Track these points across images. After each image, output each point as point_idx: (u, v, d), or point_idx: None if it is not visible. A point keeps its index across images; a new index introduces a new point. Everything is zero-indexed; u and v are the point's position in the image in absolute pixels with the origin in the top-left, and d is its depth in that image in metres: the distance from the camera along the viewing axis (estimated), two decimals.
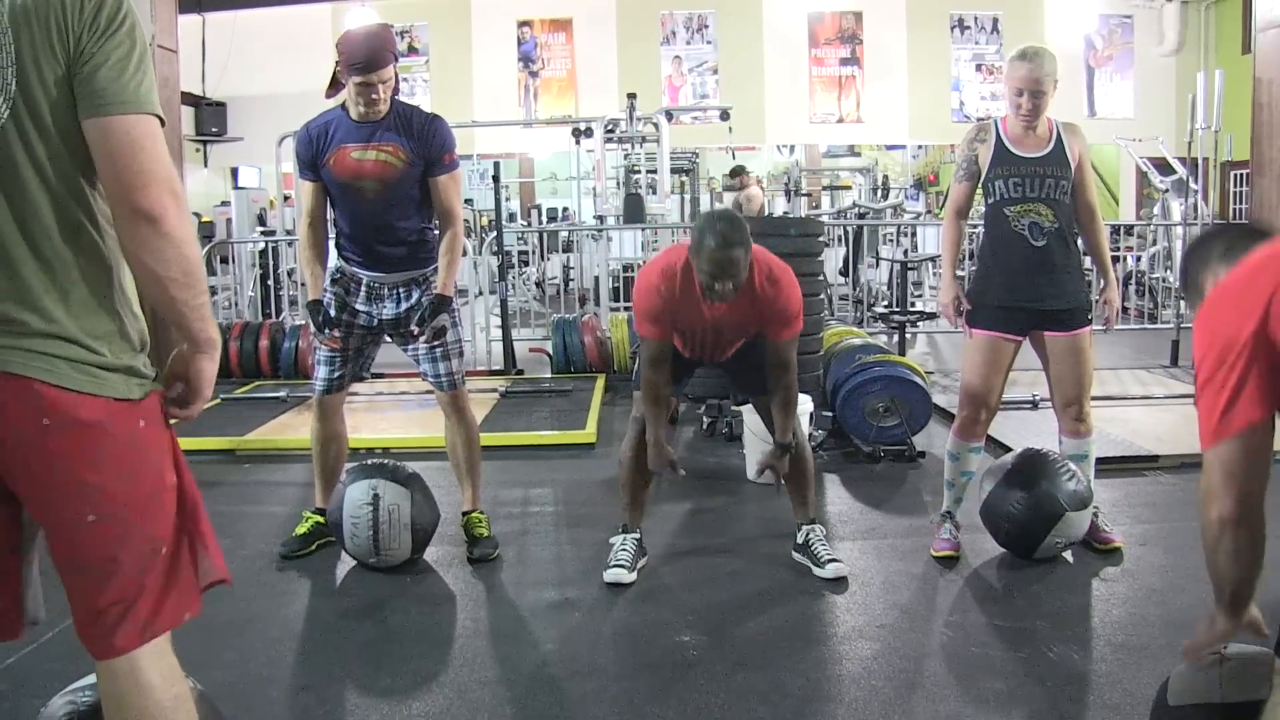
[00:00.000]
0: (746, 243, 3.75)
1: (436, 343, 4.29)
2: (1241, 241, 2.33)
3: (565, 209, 20.34)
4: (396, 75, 4.13)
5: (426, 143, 4.15)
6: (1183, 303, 10.46)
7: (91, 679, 2.30)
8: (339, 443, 4.56)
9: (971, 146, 4.26)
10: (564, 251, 14.47)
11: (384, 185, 4.16)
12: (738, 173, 14.40)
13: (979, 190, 4.32)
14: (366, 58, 3.95)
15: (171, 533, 1.96)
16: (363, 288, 4.32)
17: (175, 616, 1.97)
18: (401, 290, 4.31)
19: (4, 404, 1.79)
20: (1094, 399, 4.42)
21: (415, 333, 4.24)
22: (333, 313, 4.30)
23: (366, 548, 4.19)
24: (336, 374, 4.39)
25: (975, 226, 13.17)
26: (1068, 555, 4.31)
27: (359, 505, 4.16)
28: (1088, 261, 4.58)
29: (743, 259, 3.74)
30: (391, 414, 7.47)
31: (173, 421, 2.03)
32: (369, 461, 4.49)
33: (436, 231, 4.34)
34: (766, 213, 15.34)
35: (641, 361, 4.08)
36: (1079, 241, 4.36)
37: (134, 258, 1.87)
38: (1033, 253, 4.20)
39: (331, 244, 4.48)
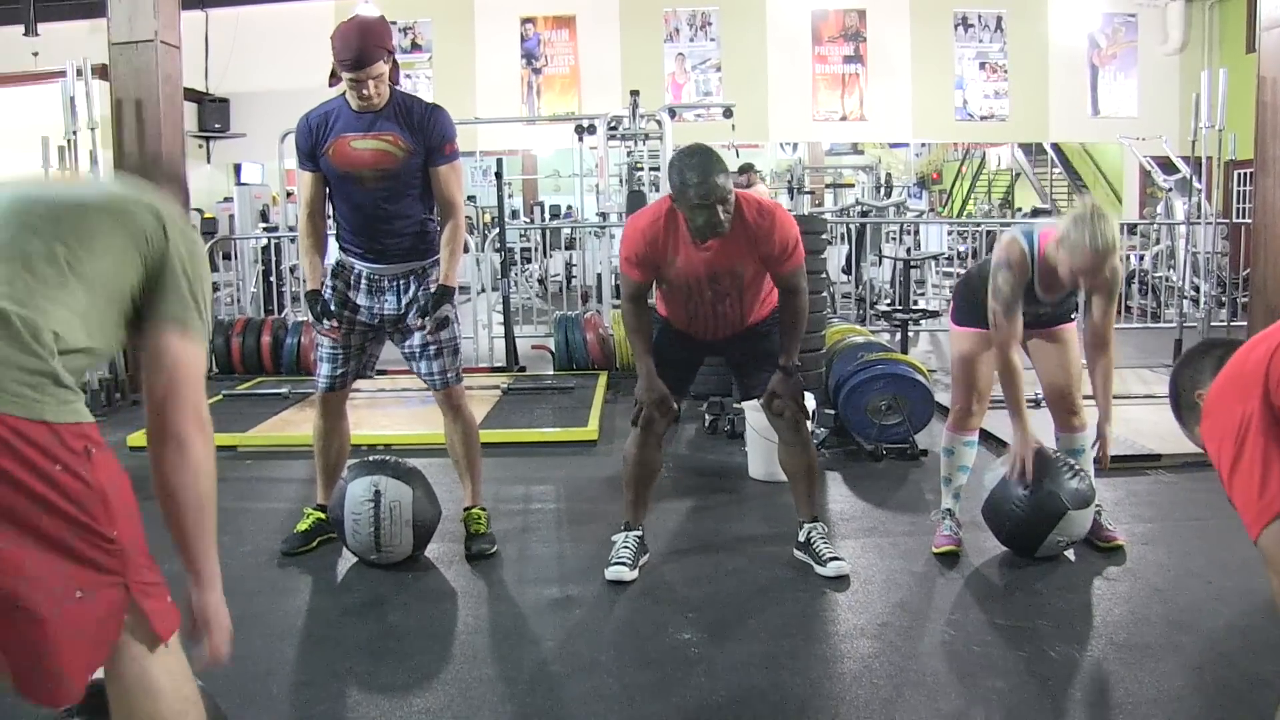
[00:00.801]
0: (726, 169, 3.78)
1: (432, 339, 4.29)
2: (1230, 355, 2.29)
3: (568, 206, 20.34)
4: (396, 66, 4.13)
5: (427, 133, 4.15)
6: (1186, 302, 10.51)
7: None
8: (341, 439, 4.55)
9: (1020, 285, 4.05)
10: (566, 249, 14.47)
11: (383, 175, 4.15)
12: (745, 170, 14.39)
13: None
14: (355, 55, 3.95)
15: (95, 578, 1.84)
16: (363, 280, 4.31)
17: (85, 674, 1.85)
18: (401, 282, 4.29)
19: None
20: None
21: (419, 324, 4.25)
22: (333, 308, 4.30)
23: (368, 544, 4.19)
24: (339, 371, 4.39)
25: (978, 225, 13.24)
26: (1069, 554, 4.30)
27: (361, 502, 4.16)
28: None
29: (727, 183, 3.75)
30: (393, 410, 7.47)
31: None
32: (371, 458, 4.49)
33: (437, 224, 4.33)
34: None
35: (622, 296, 4.15)
36: None
37: (157, 470, 2.01)
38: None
39: (332, 238, 4.48)
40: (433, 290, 4.28)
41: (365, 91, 4.01)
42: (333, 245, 4.47)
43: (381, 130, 4.12)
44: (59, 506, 1.77)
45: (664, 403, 4.15)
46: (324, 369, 4.40)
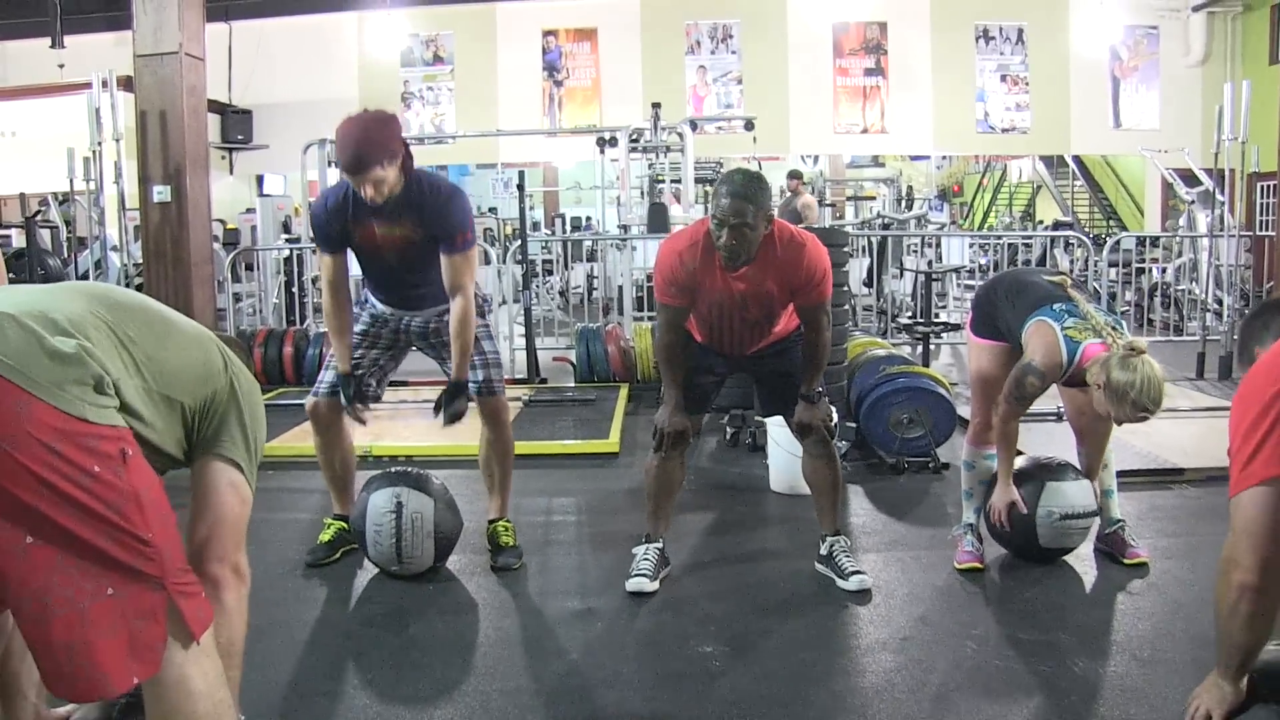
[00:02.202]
0: (758, 200, 3.74)
1: (475, 353, 4.34)
2: None
3: (589, 218, 20.37)
4: (409, 155, 4.07)
5: (441, 223, 4.13)
6: (1209, 315, 10.47)
7: None
8: (343, 452, 4.56)
9: (1044, 390, 4.04)
10: (588, 261, 14.48)
11: (405, 254, 4.22)
12: (794, 176, 14.32)
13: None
14: (350, 159, 3.88)
15: (130, 578, 1.87)
16: (390, 315, 4.42)
17: (124, 675, 1.87)
18: (431, 325, 4.40)
19: None
20: None
21: (435, 415, 4.30)
22: (358, 326, 4.36)
23: (389, 555, 4.19)
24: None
25: (999, 238, 13.22)
26: (1089, 566, 4.29)
27: (382, 513, 4.17)
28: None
29: (755, 214, 3.72)
30: (415, 422, 7.48)
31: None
32: (393, 469, 4.50)
33: None
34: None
35: (659, 325, 4.12)
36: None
37: None
38: None
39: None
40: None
41: (366, 192, 3.94)
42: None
43: (401, 218, 4.12)
44: (93, 508, 1.81)
45: (683, 436, 4.16)
46: (328, 375, 4.43)
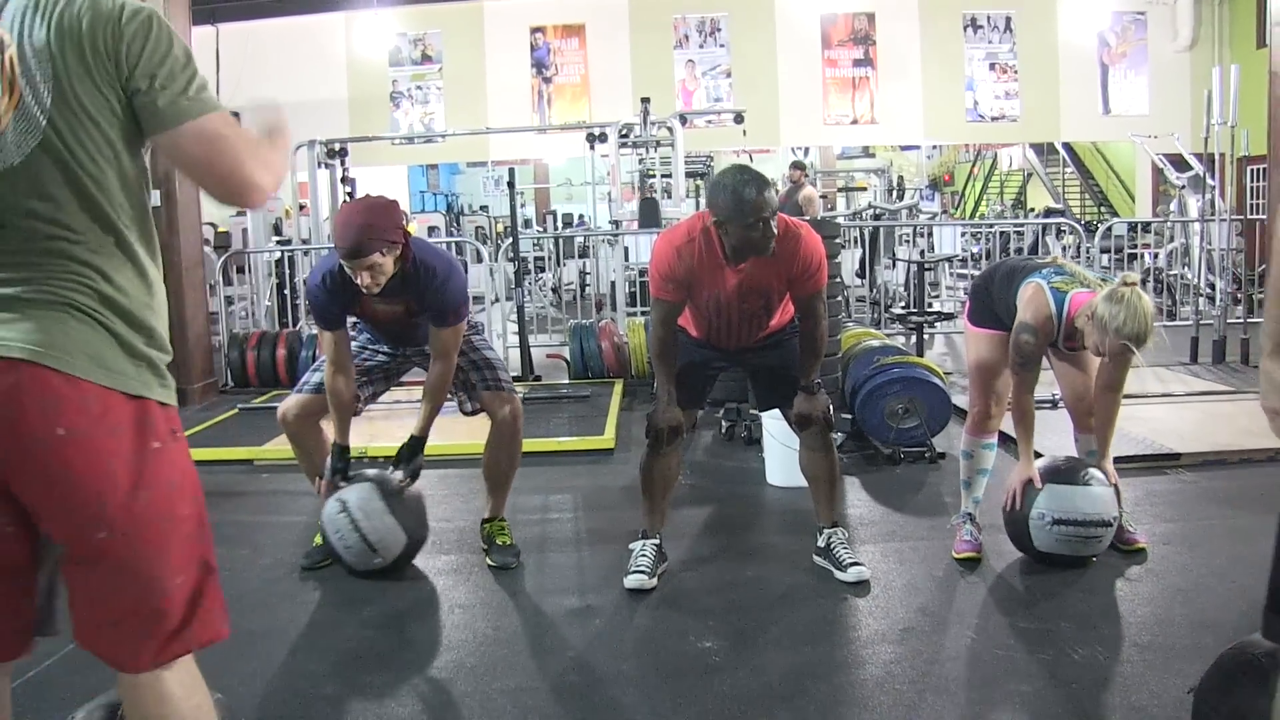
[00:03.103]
0: (770, 184, 3.82)
1: (473, 354, 4.41)
2: None
3: (580, 214, 20.35)
4: (408, 243, 4.02)
5: (436, 304, 4.12)
6: (1201, 299, 10.47)
7: (111, 694, 2.33)
8: (323, 455, 4.54)
9: (1043, 348, 4.07)
10: (580, 257, 14.46)
11: (404, 321, 4.27)
12: (798, 166, 14.29)
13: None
14: (350, 245, 3.83)
15: (186, 561, 1.93)
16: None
17: (201, 637, 1.96)
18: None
19: (13, 398, 1.77)
20: None
21: (392, 470, 4.33)
22: (355, 344, 4.42)
23: (362, 551, 4.18)
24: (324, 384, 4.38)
25: (991, 226, 13.21)
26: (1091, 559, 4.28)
27: (334, 517, 4.18)
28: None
29: (774, 199, 3.79)
30: (409, 422, 7.44)
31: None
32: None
33: None
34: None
35: (654, 320, 4.11)
36: None
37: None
38: None
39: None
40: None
41: (363, 279, 3.90)
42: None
43: (400, 296, 4.12)
44: (152, 485, 1.86)
45: (677, 430, 4.15)
46: (313, 379, 4.41)
